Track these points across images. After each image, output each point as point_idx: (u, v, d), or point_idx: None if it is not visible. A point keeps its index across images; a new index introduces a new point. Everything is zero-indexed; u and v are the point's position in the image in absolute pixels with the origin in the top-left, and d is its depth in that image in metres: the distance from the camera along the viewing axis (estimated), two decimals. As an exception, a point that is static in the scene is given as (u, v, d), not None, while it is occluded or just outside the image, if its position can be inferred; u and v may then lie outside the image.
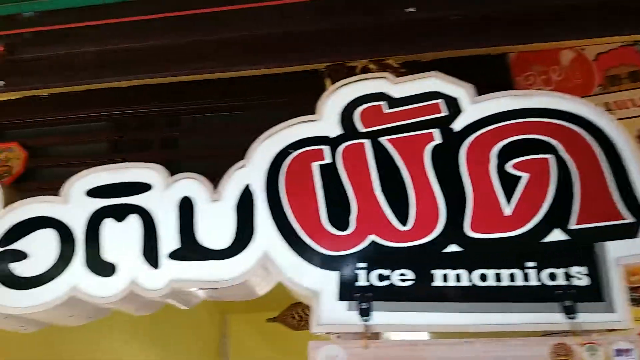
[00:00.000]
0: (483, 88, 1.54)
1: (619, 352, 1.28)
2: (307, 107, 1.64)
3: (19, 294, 1.50)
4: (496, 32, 1.45)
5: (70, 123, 2.03)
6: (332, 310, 1.40)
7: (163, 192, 1.53)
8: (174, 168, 1.65)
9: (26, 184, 1.84)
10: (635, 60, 1.96)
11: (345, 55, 1.52)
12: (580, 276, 1.36)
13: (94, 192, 1.56)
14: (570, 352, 1.29)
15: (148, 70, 1.49)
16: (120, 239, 1.51)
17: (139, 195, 1.53)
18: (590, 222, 1.39)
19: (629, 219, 1.39)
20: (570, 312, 1.33)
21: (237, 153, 1.73)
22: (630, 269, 1.45)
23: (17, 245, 1.54)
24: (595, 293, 1.34)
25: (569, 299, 1.34)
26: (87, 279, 1.48)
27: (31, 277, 1.51)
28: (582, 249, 1.38)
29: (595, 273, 1.36)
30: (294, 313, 3.11)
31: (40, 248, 1.53)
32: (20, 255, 1.53)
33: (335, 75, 1.63)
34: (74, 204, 1.56)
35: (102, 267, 1.48)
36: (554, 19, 1.48)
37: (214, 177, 1.60)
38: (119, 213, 1.53)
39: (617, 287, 1.33)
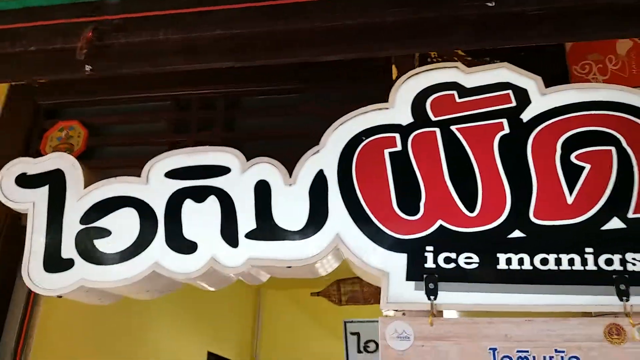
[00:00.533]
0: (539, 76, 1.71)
1: (667, 332, 1.51)
2: (371, 93, 1.83)
3: (104, 269, 1.75)
4: (577, 26, 1.61)
5: (131, 102, 2.21)
6: (400, 290, 1.64)
7: (240, 175, 1.76)
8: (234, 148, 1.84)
9: (88, 162, 2.05)
10: (694, 49, 2.13)
11: (421, 46, 1.69)
12: (635, 262, 1.59)
13: (173, 174, 1.78)
14: (623, 331, 1.54)
15: (238, 59, 1.67)
16: (200, 219, 1.75)
17: (218, 177, 1.76)
18: (648, 211, 1.60)
19: (684, 208, 1.59)
20: (624, 295, 1.55)
21: (300, 135, 1.94)
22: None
23: (100, 223, 1.79)
24: (648, 278, 1.56)
25: (623, 282, 1.56)
26: (168, 256, 1.73)
27: (115, 253, 1.76)
28: (638, 237, 1.59)
29: (649, 260, 1.57)
30: (337, 289, 3.39)
31: (123, 226, 1.78)
32: (104, 233, 1.77)
33: (402, 64, 1.81)
34: (154, 184, 1.79)
35: (183, 245, 1.73)
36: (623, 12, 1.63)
37: (277, 158, 1.80)
38: (199, 194, 1.76)
39: (669, 273, 1.55)
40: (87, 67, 1.66)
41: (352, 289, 3.36)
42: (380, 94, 1.82)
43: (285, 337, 5.57)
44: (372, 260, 1.68)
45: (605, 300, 1.58)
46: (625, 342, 1.53)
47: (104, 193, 1.82)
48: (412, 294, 1.64)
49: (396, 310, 1.69)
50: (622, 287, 1.58)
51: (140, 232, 1.77)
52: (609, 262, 1.61)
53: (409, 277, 1.65)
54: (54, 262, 1.77)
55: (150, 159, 1.86)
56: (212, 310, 4.76)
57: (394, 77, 1.91)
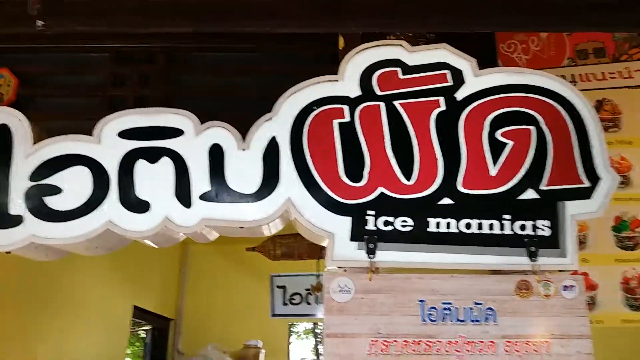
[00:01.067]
0: (470, 53, 1.90)
1: (566, 287, 1.82)
2: (317, 61, 1.94)
3: (55, 226, 1.78)
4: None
5: (68, 52, 2.17)
6: (344, 249, 1.81)
7: (194, 138, 1.82)
8: (172, 104, 1.90)
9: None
10: (601, 38, 2.42)
11: (366, 27, 1.82)
12: (544, 228, 1.85)
13: (126, 134, 1.82)
14: (530, 286, 1.81)
15: (195, 23, 1.70)
16: (153, 180, 1.82)
17: (171, 139, 1.82)
18: (557, 184, 1.88)
19: (586, 183, 1.88)
20: (533, 256, 1.82)
21: (240, 93, 2.02)
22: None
23: (50, 181, 1.80)
24: (553, 242, 1.85)
25: (533, 245, 1.82)
26: (122, 215, 1.80)
27: (67, 211, 1.79)
28: (548, 206, 1.85)
29: (555, 226, 1.85)
30: (272, 245, 3.55)
31: (75, 184, 1.81)
32: (55, 190, 1.78)
33: (351, 40, 1.93)
34: (106, 144, 1.82)
35: (136, 204, 1.80)
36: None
37: (215, 116, 1.87)
38: (152, 155, 1.82)
39: (570, 238, 1.86)
40: (39, 23, 1.63)
41: (287, 245, 3.53)
42: (326, 63, 1.93)
43: (211, 291, 5.70)
44: (320, 222, 1.83)
45: (518, 260, 1.84)
46: (532, 295, 1.81)
47: (55, 150, 1.82)
48: (354, 252, 1.82)
49: (339, 267, 1.87)
50: (532, 249, 1.84)
51: (93, 191, 1.80)
52: (523, 227, 1.86)
53: (352, 238, 1.83)
54: (1, 219, 1.77)
55: (87, 112, 1.87)
56: (138, 265, 4.78)
57: (340, 46, 2.04)
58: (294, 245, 3.46)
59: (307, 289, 5.27)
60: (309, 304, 5.31)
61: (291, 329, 7.55)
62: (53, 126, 1.92)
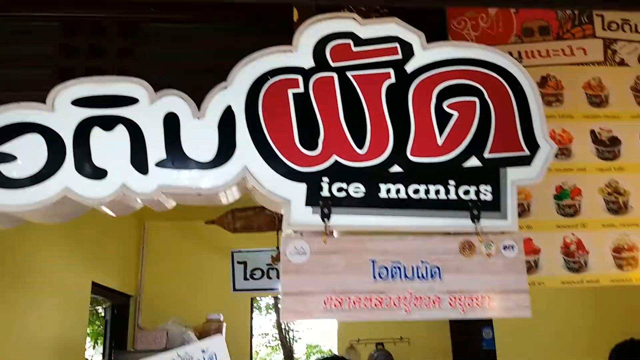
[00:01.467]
0: (422, 28, 2.00)
1: (506, 247, 1.96)
2: (272, 32, 1.99)
3: (11, 193, 1.79)
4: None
5: (15, 22, 2.15)
6: (300, 214, 1.89)
7: (149, 106, 1.86)
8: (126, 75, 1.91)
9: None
10: (546, 17, 2.56)
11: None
12: (486, 193, 1.98)
13: (80, 102, 1.83)
14: (473, 246, 1.94)
15: None
16: (109, 147, 1.85)
17: (126, 107, 1.84)
18: (499, 152, 2.00)
19: (526, 151, 2.01)
20: (476, 218, 1.95)
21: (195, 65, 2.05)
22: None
23: (3, 149, 1.80)
24: (495, 205, 1.98)
25: (476, 209, 1.95)
26: (79, 182, 1.82)
27: (22, 179, 1.80)
28: (490, 173, 1.98)
29: (497, 191, 1.98)
30: (231, 218, 3.61)
31: (29, 152, 1.82)
32: (8, 158, 1.79)
33: (305, 12, 1.99)
34: (60, 112, 1.83)
35: (93, 172, 1.82)
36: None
37: (169, 87, 1.91)
38: (107, 123, 1.84)
39: (511, 202, 1.99)
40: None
41: (245, 218, 3.60)
42: (282, 36, 1.99)
43: (171, 267, 5.74)
44: (276, 189, 1.91)
45: (462, 222, 1.97)
46: (474, 255, 1.95)
47: (7, 118, 1.81)
48: (310, 217, 1.90)
49: (295, 232, 1.96)
50: (475, 212, 1.97)
51: (49, 158, 1.81)
52: (467, 192, 1.99)
53: (308, 203, 1.91)
54: (-46, 186, 1.77)
55: (37, 83, 1.87)
56: (97, 242, 4.76)
57: (295, 18, 2.09)
58: (252, 218, 3.53)
59: (268, 264, 5.37)
60: (270, 278, 5.42)
61: (253, 304, 7.66)
62: (1, 98, 1.90)
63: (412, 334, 6.32)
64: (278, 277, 5.27)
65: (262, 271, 5.46)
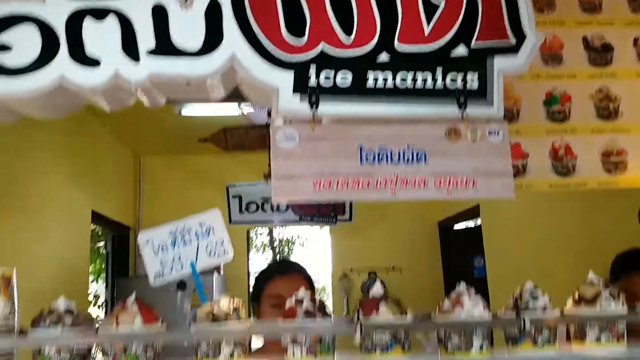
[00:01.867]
0: None
1: (491, 132, 2.04)
2: None
3: (8, 80, 1.85)
4: None
5: None
6: (288, 102, 1.96)
7: (136, -2, 1.89)
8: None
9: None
10: None
11: None
12: (472, 80, 2.04)
13: (70, -7, 1.87)
14: (459, 132, 2.02)
15: None
16: (101, 36, 1.90)
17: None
18: (486, 40, 2.04)
19: (512, 40, 2.06)
20: (462, 105, 2.02)
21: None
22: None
23: (-1, 39, 1.85)
24: (481, 93, 2.04)
25: (462, 96, 2.02)
26: (73, 69, 1.88)
27: (18, 68, 1.85)
28: (477, 61, 2.04)
29: (484, 79, 2.04)
30: (224, 136, 3.69)
31: (23, 42, 1.86)
32: (3, 48, 1.84)
33: None
34: (51, 3, 1.87)
35: (86, 60, 1.87)
36: None
37: None
38: (98, 13, 1.88)
39: (497, 90, 2.06)
40: None
41: (237, 135, 3.67)
42: None
43: (167, 201, 5.87)
44: (264, 77, 1.96)
45: (448, 110, 2.04)
46: (460, 140, 2.03)
47: (1, 10, 1.86)
48: (298, 105, 1.97)
49: (284, 122, 2.04)
50: (462, 99, 2.04)
51: (43, 47, 1.86)
52: (453, 80, 2.05)
53: (295, 91, 1.98)
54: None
55: None
56: (95, 172, 4.86)
57: None
58: (244, 137, 3.60)
59: (262, 197, 5.49)
60: (264, 211, 5.55)
61: (249, 242, 7.86)
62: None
63: (404, 264, 6.54)
64: (272, 209, 5.42)
65: (257, 205, 5.59)
